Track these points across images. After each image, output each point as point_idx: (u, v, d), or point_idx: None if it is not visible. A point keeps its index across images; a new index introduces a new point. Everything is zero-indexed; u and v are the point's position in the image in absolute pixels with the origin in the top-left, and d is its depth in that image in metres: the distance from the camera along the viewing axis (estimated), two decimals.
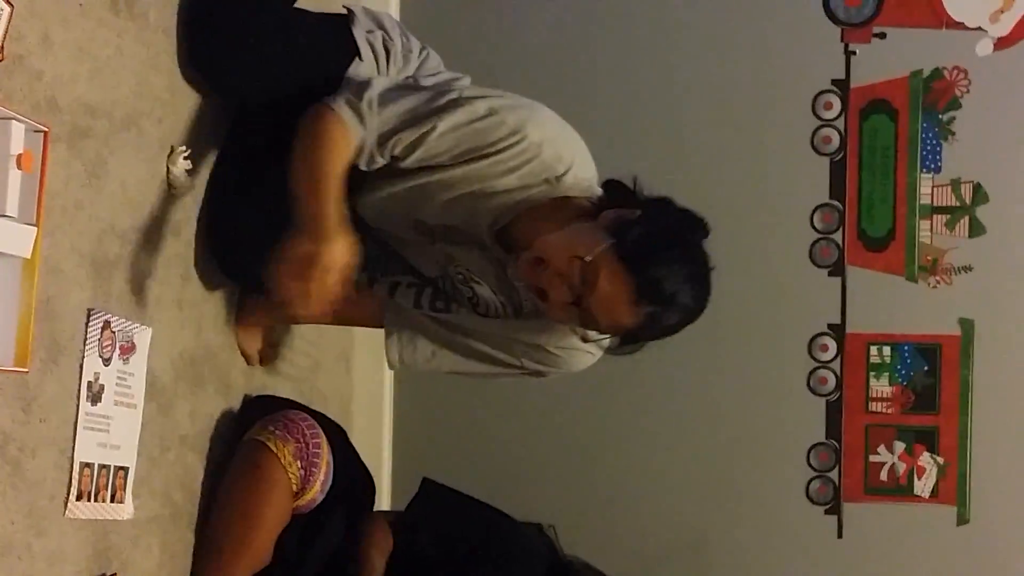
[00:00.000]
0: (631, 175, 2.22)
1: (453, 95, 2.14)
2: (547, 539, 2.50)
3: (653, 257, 2.07)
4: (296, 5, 2.38)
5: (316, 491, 2.36)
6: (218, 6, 2.20)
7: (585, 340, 2.19)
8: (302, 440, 2.32)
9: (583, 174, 2.19)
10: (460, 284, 2.33)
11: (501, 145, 2.14)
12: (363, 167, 2.18)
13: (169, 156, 2.22)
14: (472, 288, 2.32)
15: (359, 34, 2.29)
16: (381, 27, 2.34)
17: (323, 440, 2.36)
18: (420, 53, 2.37)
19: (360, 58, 2.26)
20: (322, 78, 2.23)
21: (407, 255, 2.41)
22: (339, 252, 2.04)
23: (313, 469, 2.32)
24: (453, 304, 2.38)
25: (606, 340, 2.27)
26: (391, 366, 2.48)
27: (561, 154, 2.17)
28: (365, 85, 2.16)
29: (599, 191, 2.21)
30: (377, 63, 2.29)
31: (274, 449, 2.31)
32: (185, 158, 2.23)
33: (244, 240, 2.31)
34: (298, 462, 2.30)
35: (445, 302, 2.39)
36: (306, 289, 2.02)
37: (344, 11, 2.37)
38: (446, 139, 2.14)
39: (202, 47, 2.20)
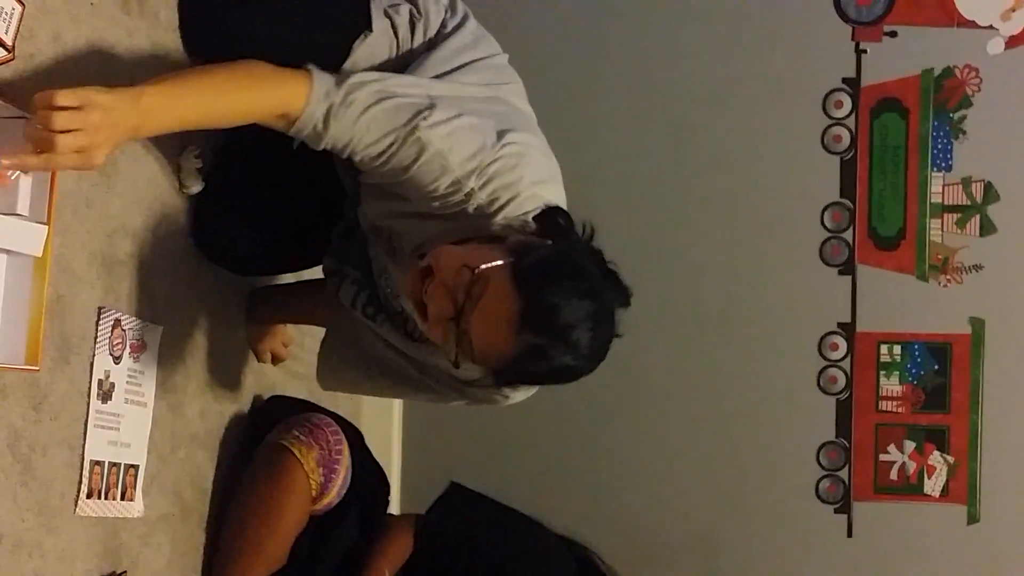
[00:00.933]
0: (594, 220, 2.04)
1: (418, 118, 1.97)
2: (579, 549, 2.47)
3: (550, 282, 1.85)
4: None
5: (333, 496, 2.36)
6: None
7: (456, 367, 1.95)
8: (326, 447, 2.32)
9: (516, 212, 2.00)
10: (390, 298, 2.24)
11: (438, 191, 2.00)
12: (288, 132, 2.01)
13: (180, 155, 2.21)
14: (401, 304, 2.21)
15: (376, 6, 2.13)
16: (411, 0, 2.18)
17: (345, 447, 2.35)
18: (454, 29, 2.19)
19: (371, 30, 2.09)
20: (325, 50, 2.08)
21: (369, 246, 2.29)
22: (127, 117, 1.74)
23: (333, 476, 2.32)
24: (381, 315, 2.27)
25: (475, 373, 2.08)
26: (321, 387, 2.47)
27: (498, 197, 1.99)
28: (357, 84, 1.99)
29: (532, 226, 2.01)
30: (397, 37, 2.13)
31: (298, 456, 2.31)
32: (196, 156, 2.22)
33: (232, 222, 2.28)
34: (320, 469, 2.30)
35: (375, 310, 2.27)
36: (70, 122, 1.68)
37: None
38: (387, 169, 2.03)
39: (196, 14, 2.13)
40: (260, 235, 2.30)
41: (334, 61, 2.08)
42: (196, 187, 2.25)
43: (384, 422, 3.43)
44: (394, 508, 3.11)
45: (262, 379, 2.64)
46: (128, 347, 2.04)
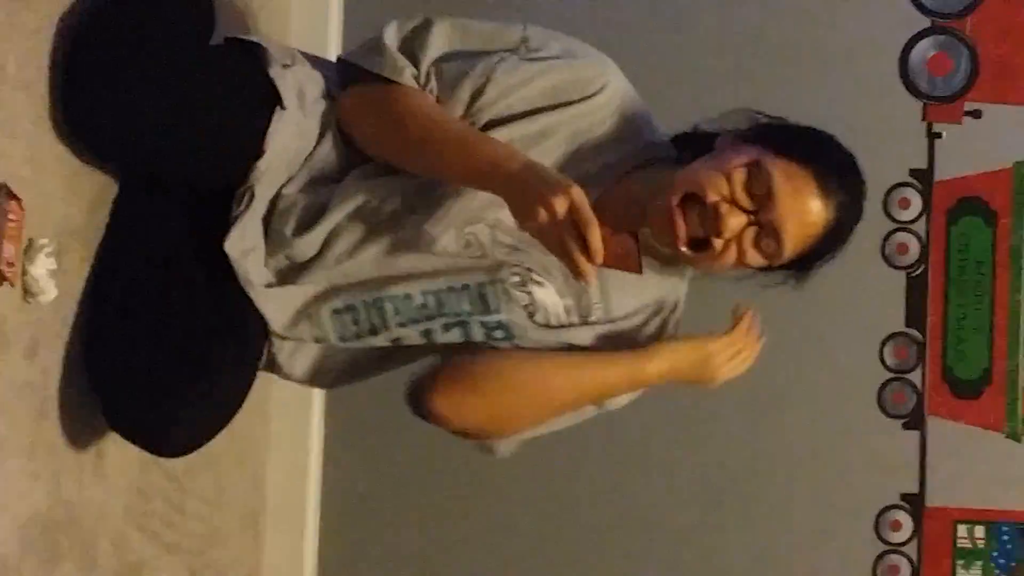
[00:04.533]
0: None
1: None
2: None
3: (815, 143, 2.00)
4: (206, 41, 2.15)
5: None
6: (96, 35, 1.99)
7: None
8: None
9: (661, 131, 2.09)
10: (515, 288, 2.09)
11: (588, 89, 2.02)
12: None
13: (25, 252, 1.96)
14: (530, 293, 2.09)
15: (279, 76, 2.05)
16: (295, 60, 2.14)
17: None
18: None
19: (283, 107, 2.02)
20: (236, 133, 2.01)
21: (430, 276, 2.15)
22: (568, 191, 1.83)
23: None
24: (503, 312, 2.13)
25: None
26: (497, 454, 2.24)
27: (641, 109, 2.07)
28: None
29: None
30: (303, 107, 2.06)
31: None
32: (48, 255, 1.97)
33: (139, 376, 2.04)
34: None
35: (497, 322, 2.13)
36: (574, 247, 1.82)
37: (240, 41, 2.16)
38: (515, 78, 2.00)
39: (76, 93, 1.98)
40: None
41: (247, 147, 2.02)
42: (48, 294, 1.99)
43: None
44: None
45: (125, 554, 2.29)
46: None
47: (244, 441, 2.87)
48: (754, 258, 1.97)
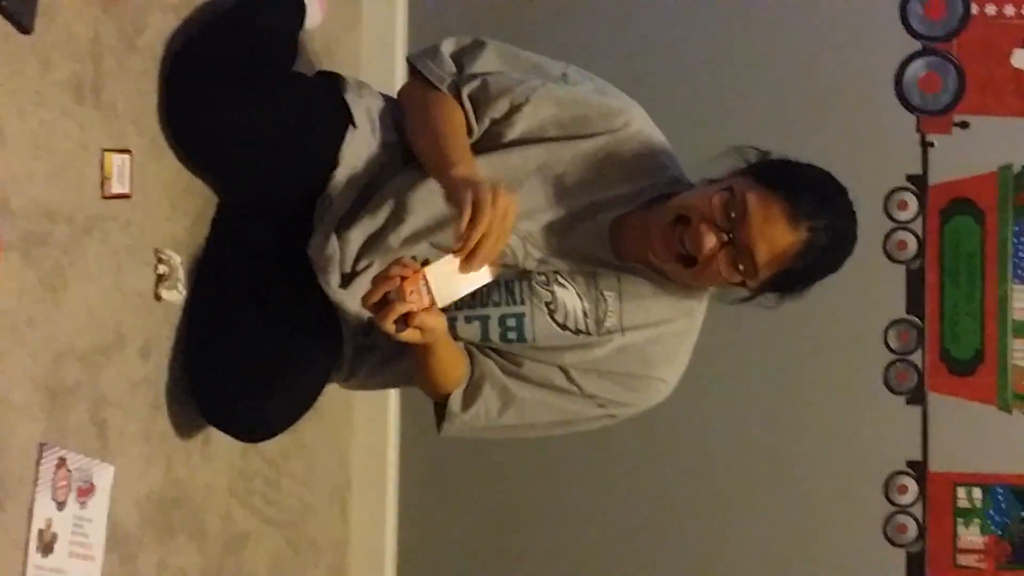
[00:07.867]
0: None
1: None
2: None
3: (795, 173, 2.05)
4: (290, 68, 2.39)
5: None
6: (198, 66, 2.15)
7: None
8: None
9: (681, 172, 2.19)
10: (540, 286, 2.17)
11: (613, 124, 2.15)
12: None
13: (159, 261, 2.15)
14: (552, 291, 2.17)
15: (351, 97, 2.23)
16: (367, 90, 2.31)
17: None
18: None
19: (354, 126, 2.19)
20: (315, 149, 2.18)
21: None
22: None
23: None
24: (518, 328, 2.18)
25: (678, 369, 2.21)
26: (446, 433, 2.27)
27: (665, 147, 2.19)
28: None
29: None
30: (372, 127, 2.23)
31: None
32: (170, 287, 2.17)
33: (230, 377, 2.19)
34: None
35: (517, 322, 2.19)
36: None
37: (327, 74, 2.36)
38: (551, 102, 2.15)
39: (183, 116, 2.14)
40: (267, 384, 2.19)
41: (325, 159, 2.17)
42: (176, 296, 2.17)
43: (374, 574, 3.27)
44: None
45: (230, 526, 2.48)
46: (74, 491, 1.90)
47: (331, 427, 3.03)
48: (731, 275, 2.02)
